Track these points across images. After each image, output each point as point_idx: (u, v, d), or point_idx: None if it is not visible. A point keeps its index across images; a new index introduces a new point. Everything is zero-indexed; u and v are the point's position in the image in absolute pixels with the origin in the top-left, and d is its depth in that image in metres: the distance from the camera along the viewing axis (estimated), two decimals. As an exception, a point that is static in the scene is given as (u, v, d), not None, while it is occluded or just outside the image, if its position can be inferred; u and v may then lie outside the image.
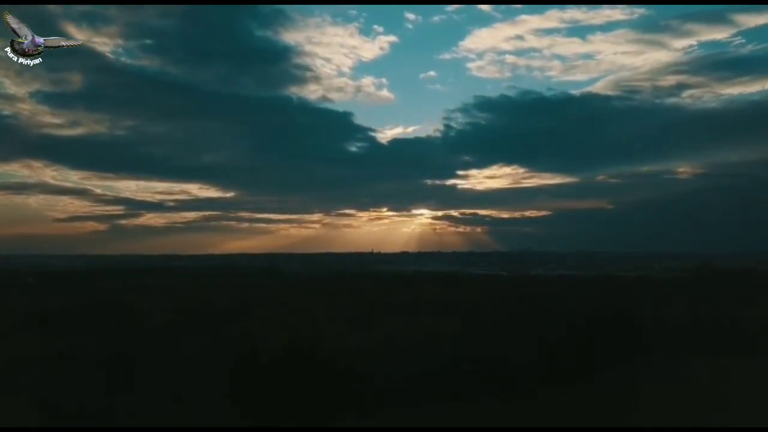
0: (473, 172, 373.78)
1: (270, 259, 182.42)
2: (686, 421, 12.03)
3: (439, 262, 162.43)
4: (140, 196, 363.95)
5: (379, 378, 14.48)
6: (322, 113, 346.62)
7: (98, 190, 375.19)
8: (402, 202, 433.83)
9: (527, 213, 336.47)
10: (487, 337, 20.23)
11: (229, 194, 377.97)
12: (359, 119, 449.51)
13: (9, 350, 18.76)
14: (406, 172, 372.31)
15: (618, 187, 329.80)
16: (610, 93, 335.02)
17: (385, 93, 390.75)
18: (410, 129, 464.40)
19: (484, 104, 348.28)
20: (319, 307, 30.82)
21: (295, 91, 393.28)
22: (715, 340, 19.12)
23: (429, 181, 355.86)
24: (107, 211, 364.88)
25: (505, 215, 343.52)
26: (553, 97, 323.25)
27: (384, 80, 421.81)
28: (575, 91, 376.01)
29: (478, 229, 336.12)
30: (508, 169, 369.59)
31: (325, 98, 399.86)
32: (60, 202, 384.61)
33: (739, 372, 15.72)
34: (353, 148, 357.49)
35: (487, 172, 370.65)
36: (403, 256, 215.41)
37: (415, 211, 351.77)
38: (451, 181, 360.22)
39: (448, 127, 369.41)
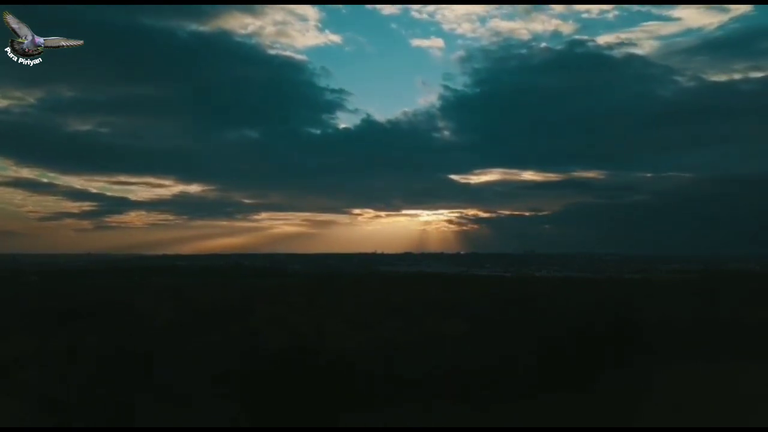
0: (478, 159, 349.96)
1: (268, 259, 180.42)
2: (687, 422, 12.00)
3: (442, 263, 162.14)
4: (94, 187, 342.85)
5: (380, 378, 14.50)
6: (287, 68, 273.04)
7: (44, 180, 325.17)
8: (401, 199, 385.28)
9: (534, 212, 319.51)
10: (488, 338, 20.20)
11: (194, 187, 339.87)
12: (335, 79, 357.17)
13: (11, 349, 18.76)
14: (404, 161, 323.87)
15: (648, 183, 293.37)
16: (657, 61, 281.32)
17: (353, 35, 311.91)
18: (398, 91, 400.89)
19: (491, 60, 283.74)
20: (319, 307, 30.78)
21: (240, 23, 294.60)
22: (717, 342, 19.08)
23: (431, 174, 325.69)
24: (74, 208, 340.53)
25: (510, 212, 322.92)
26: (576, 55, 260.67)
27: (346, 10, 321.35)
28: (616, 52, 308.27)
29: (483, 229, 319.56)
30: (517, 155, 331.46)
31: (282, 35, 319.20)
32: (17, 195, 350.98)
33: (741, 374, 15.67)
34: (339, 123, 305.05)
35: (493, 159, 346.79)
36: (405, 257, 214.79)
37: (417, 210, 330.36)
38: (454, 176, 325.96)
39: (446, 88, 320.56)
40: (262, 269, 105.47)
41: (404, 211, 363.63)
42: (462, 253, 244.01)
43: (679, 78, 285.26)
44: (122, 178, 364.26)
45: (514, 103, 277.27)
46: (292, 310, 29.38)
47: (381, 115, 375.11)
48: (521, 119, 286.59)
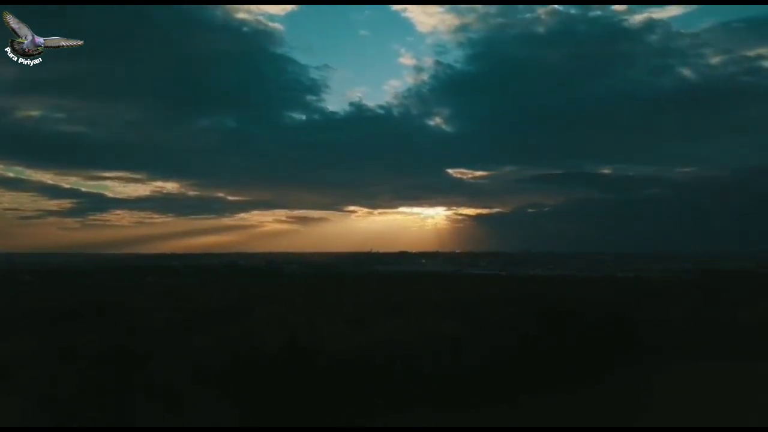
0: (475, 151, 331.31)
1: (263, 259, 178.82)
2: (687, 422, 12.02)
3: (438, 262, 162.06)
4: (67, 183, 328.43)
5: (380, 379, 14.48)
6: (261, 38, 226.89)
7: (10, 174, 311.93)
8: (395, 195, 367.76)
9: (536, 209, 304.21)
10: (488, 338, 20.16)
11: (171, 184, 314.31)
12: (315, 52, 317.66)
13: (10, 348, 18.70)
14: (397, 154, 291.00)
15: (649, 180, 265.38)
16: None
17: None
18: (384, 65, 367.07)
19: (489, 28, 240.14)
20: (318, 307, 30.76)
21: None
22: (717, 342, 19.12)
23: (426, 169, 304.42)
24: (53, 205, 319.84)
25: (510, 209, 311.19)
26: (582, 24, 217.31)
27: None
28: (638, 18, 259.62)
29: (481, 226, 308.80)
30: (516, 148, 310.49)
31: None
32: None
33: (741, 374, 15.71)
34: (326, 107, 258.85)
35: (490, 152, 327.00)
36: (401, 256, 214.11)
37: (412, 207, 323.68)
38: (450, 170, 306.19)
39: (438, 63, 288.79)
40: (258, 269, 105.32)
41: (399, 209, 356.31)
42: (458, 251, 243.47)
43: (705, 51, 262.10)
44: (94, 173, 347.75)
45: (513, 83, 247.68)
46: (291, 310, 29.34)
47: (370, 100, 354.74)
48: (520, 104, 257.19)
